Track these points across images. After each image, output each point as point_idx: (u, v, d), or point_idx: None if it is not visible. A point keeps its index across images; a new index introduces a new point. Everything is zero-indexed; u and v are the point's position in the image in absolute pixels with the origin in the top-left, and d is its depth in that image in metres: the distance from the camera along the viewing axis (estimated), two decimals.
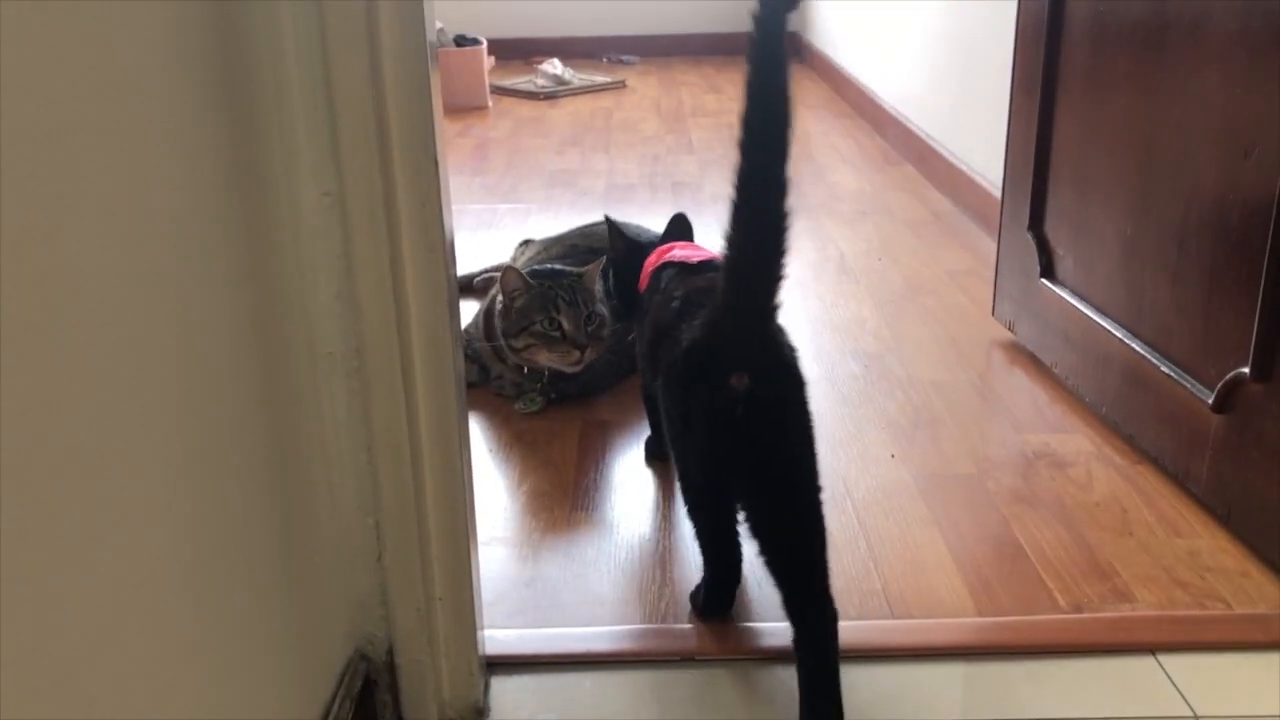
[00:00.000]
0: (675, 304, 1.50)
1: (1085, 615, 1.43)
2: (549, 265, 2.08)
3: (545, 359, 1.96)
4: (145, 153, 0.76)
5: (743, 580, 1.46)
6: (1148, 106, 1.74)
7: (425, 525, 1.16)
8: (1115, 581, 1.50)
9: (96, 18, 0.69)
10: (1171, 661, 1.34)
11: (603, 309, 1.97)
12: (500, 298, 2.00)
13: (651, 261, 1.72)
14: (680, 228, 1.82)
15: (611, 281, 1.86)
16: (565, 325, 1.93)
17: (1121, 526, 1.63)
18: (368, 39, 0.99)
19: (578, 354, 1.94)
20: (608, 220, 1.91)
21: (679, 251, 1.71)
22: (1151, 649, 1.36)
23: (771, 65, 1.27)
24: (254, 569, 0.95)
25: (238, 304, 0.92)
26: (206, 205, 0.86)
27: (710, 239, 1.30)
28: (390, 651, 1.20)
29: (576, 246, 2.22)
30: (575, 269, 2.02)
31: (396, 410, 1.10)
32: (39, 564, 0.61)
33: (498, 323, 1.99)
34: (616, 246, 1.83)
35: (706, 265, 1.65)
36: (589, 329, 1.94)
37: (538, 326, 1.94)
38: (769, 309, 1.32)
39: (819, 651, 1.26)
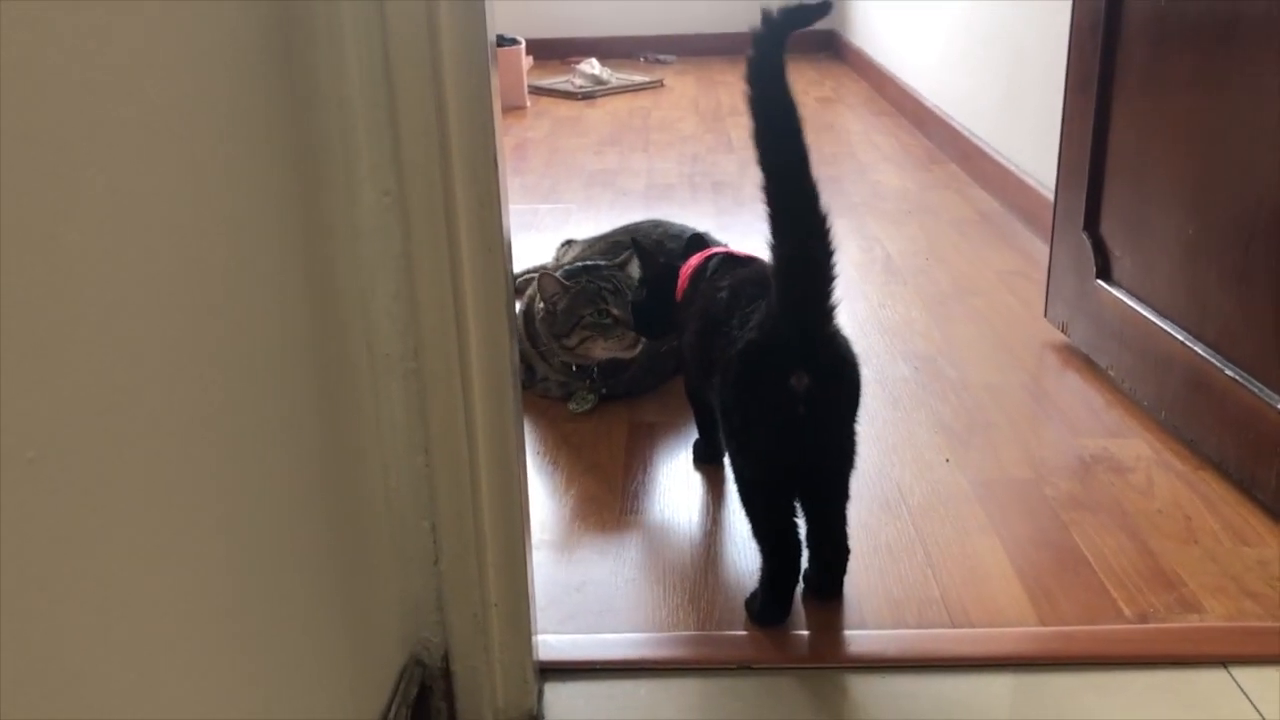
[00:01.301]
0: (723, 294, 1.49)
1: (1152, 625, 1.39)
2: (581, 262, 2.06)
3: (602, 350, 1.95)
4: (205, 154, 0.74)
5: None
6: (1212, 103, 1.70)
7: (481, 530, 1.14)
8: (1182, 591, 1.46)
9: (157, 17, 0.67)
10: (1245, 675, 1.30)
11: None
12: (540, 303, 1.98)
13: (692, 263, 1.70)
14: (698, 247, 1.79)
15: (641, 300, 1.82)
16: (615, 311, 1.92)
17: (1185, 534, 1.59)
18: (429, 38, 0.98)
19: (634, 335, 1.92)
20: (635, 244, 1.90)
21: (721, 249, 1.71)
22: (1223, 661, 1.32)
23: (772, 78, 1.31)
24: (309, 571, 0.94)
25: (295, 302, 0.90)
26: (265, 204, 0.85)
27: (751, 238, 1.28)
28: (446, 657, 1.18)
29: (619, 244, 2.20)
30: (610, 261, 2.01)
31: (454, 412, 1.08)
32: (95, 572, 0.60)
33: (541, 328, 1.98)
34: (649, 268, 1.81)
35: (752, 258, 1.64)
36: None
37: (589, 318, 1.93)
38: (827, 309, 1.30)
39: (833, 568, 1.45)
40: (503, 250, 1.08)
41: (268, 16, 0.84)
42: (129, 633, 0.63)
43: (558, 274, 1.99)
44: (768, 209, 1.29)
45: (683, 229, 2.28)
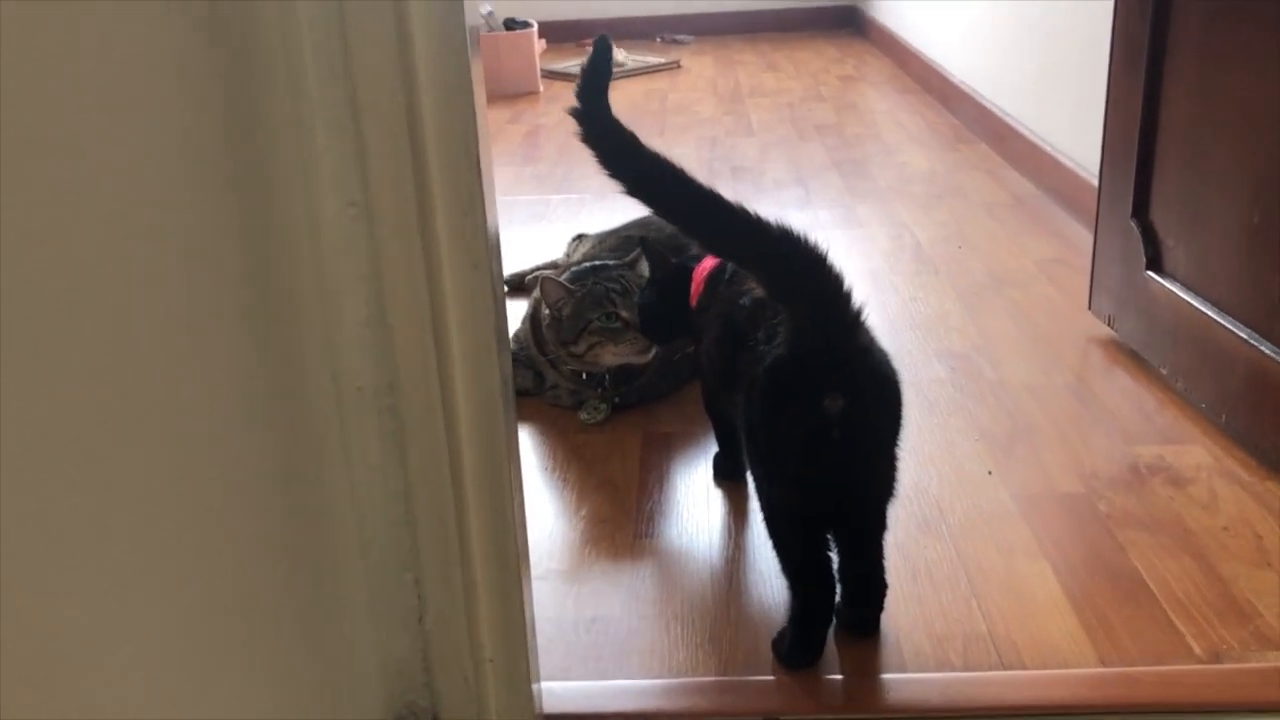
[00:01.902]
0: (746, 302, 1.35)
1: (1228, 666, 1.25)
2: (588, 263, 1.92)
3: (612, 355, 1.81)
4: (121, 164, 0.61)
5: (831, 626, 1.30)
6: (1277, 77, 1.54)
7: (473, 581, 1.01)
8: (1258, 624, 1.31)
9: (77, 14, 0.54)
10: None
11: None
12: (545, 309, 1.85)
13: (706, 265, 1.56)
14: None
15: (650, 302, 1.69)
16: (625, 314, 1.79)
17: (1257, 556, 1.44)
18: (395, 24, 0.84)
19: (644, 341, 1.78)
20: (643, 242, 1.76)
21: None
22: None
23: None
24: (270, 633, 0.81)
25: (244, 334, 0.77)
26: (204, 221, 0.72)
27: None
28: None
29: (631, 239, 2.05)
30: (618, 260, 1.87)
31: (437, 453, 0.95)
32: (38, 655, 0.50)
33: (547, 334, 1.84)
34: (659, 269, 1.67)
35: None
36: None
37: (597, 323, 1.79)
38: (854, 316, 1.17)
39: (868, 605, 1.31)
40: (490, 265, 0.94)
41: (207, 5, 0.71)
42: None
43: (563, 277, 1.85)
44: (729, 254, 1.29)
45: None
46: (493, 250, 0.95)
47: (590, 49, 1.21)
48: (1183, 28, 1.78)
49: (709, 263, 1.56)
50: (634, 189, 1.18)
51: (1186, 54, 1.78)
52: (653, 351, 1.81)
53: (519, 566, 1.04)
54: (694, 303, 1.56)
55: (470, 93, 0.88)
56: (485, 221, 0.92)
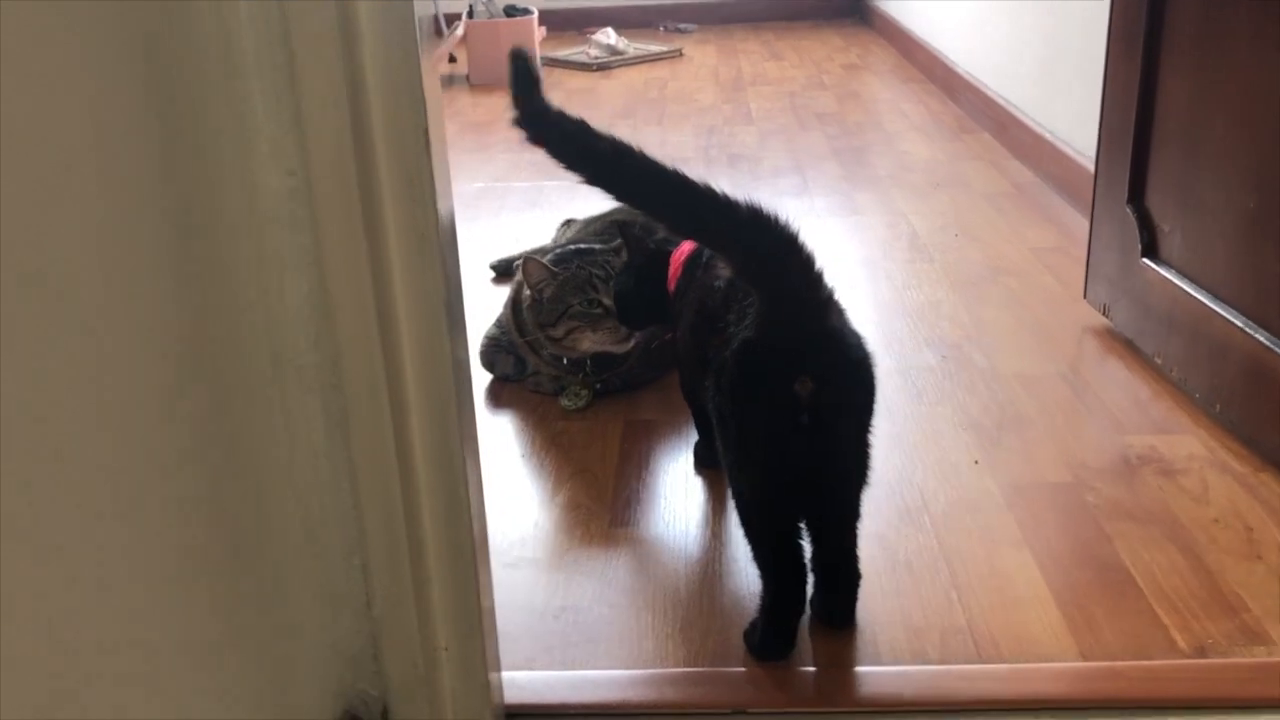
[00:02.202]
0: (720, 284, 1.31)
1: (1212, 660, 1.21)
2: (574, 245, 1.89)
3: (591, 342, 1.78)
4: (39, 131, 0.58)
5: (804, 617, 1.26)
6: (1276, 60, 1.50)
7: (423, 566, 0.98)
8: (1244, 617, 1.28)
9: None
10: None
11: None
12: (527, 290, 1.82)
13: (684, 249, 1.53)
14: None
15: (626, 288, 1.65)
16: (606, 301, 1.75)
17: (1247, 548, 1.40)
18: None
19: (624, 329, 1.75)
20: (620, 226, 1.72)
21: None
22: None
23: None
24: (211, 622, 0.78)
25: (178, 310, 0.74)
26: (132, 193, 0.68)
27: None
28: (385, 712, 1.02)
29: (617, 223, 2.02)
30: (604, 245, 1.84)
31: (383, 431, 0.92)
32: None
33: (527, 316, 1.81)
34: (637, 254, 1.63)
35: None
36: None
37: (577, 308, 1.76)
38: (825, 297, 1.13)
39: (841, 595, 1.28)
40: (440, 238, 0.91)
41: None
42: None
43: (546, 258, 1.82)
44: (695, 235, 1.26)
45: None
46: (444, 225, 0.92)
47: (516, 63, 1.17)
48: (1179, 14, 1.74)
49: (686, 246, 1.53)
50: (592, 178, 1.14)
51: (1183, 41, 1.73)
52: (632, 341, 1.78)
53: (474, 553, 1.00)
54: (671, 288, 1.53)
55: (416, 58, 0.85)
56: (434, 194, 0.89)
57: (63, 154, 0.62)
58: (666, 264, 1.54)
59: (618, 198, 1.19)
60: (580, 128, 1.13)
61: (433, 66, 0.90)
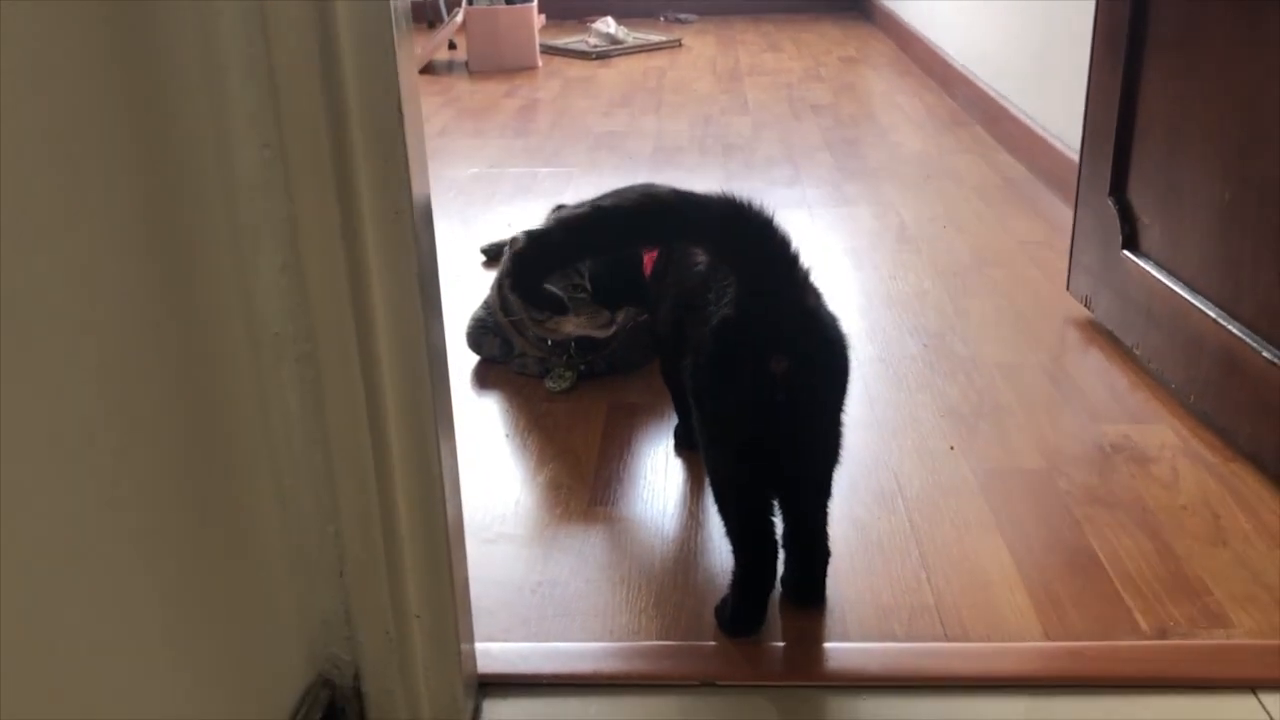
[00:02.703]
0: (699, 267, 1.34)
1: (1172, 642, 1.23)
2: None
3: (574, 325, 1.80)
4: (15, 100, 0.60)
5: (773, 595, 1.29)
6: (1252, 59, 1.52)
7: (395, 534, 1.00)
8: (1207, 601, 1.30)
9: None
10: (1277, 702, 1.14)
11: None
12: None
13: None
14: None
15: (602, 268, 1.71)
16: (590, 287, 1.77)
17: (1214, 535, 1.42)
18: None
19: (607, 314, 1.77)
20: (596, 209, 1.75)
21: None
22: (1252, 686, 1.16)
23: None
24: (185, 586, 0.80)
25: (154, 277, 0.76)
26: (108, 161, 0.70)
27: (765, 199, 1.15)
28: (357, 676, 1.04)
29: (595, 204, 2.04)
30: None
31: (355, 401, 0.94)
32: None
33: (512, 297, 1.83)
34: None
35: None
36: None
37: (559, 292, 1.78)
38: (801, 277, 1.16)
39: (811, 572, 1.30)
40: (413, 212, 0.93)
41: None
42: None
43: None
44: (679, 239, 1.34)
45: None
46: (418, 200, 0.94)
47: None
48: (1161, 15, 1.76)
49: None
50: (588, 252, 1.28)
51: (1164, 40, 1.75)
52: (614, 326, 1.80)
53: (446, 523, 1.03)
54: (648, 271, 1.55)
55: (391, 30, 0.86)
56: (408, 169, 0.91)
57: (38, 121, 0.64)
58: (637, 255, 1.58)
59: (614, 250, 1.25)
60: (548, 248, 1.22)
61: (408, 39, 0.92)
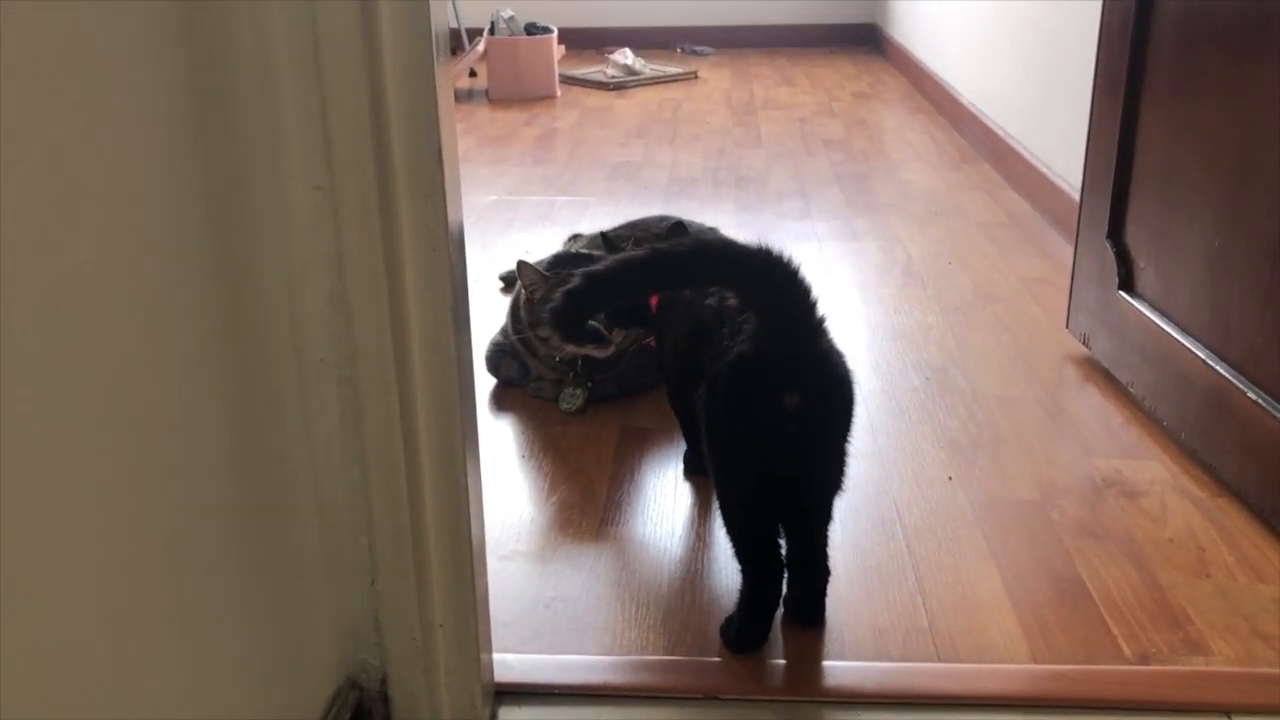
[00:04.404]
0: (710, 300, 1.42)
1: (1153, 668, 1.30)
2: (574, 251, 2.00)
3: (574, 346, 1.89)
4: (97, 142, 0.68)
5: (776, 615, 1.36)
6: (1242, 110, 1.60)
7: (424, 547, 1.07)
8: (1188, 630, 1.36)
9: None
10: None
11: None
12: (523, 289, 1.95)
13: None
14: (681, 234, 1.81)
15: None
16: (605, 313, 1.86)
17: (1198, 567, 1.49)
18: (362, 18, 0.91)
19: (606, 338, 1.87)
20: (603, 236, 1.86)
21: None
22: (1227, 711, 1.22)
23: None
24: (230, 590, 0.88)
25: (213, 307, 0.84)
26: (175, 200, 0.78)
27: (774, 234, 1.22)
28: (384, 681, 1.11)
29: (620, 237, 2.12)
30: (605, 253, 1.95)
31: (390, 423, 1.01)
32: None
33: (523, 314, 1.94)
34: None
35: None
36: None
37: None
38: (817, 323, 1.24)
39: (812, 592, 1.37)
40: (449, 249, 1.00)
41: None
42: (30, 663, 0.59)
43: (545, 258, 1.95)
44: (717, 284, 1.36)
45: (701, 227, 2.23)
46: (453, 236, 1.02)
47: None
48: (1159, 58, 1.83)
49: None
50: (631, 294, 1.37)
51: (1160, 88, 1.83)
52: (612, 347, 1.88)
53: (470, 538, 1.10)
54: (654, 301, 1.63)
55: (433, 85, 0.95)
56: (446, 208, 0.99)
57: (118, 160, 0.72)
58: None
59: (661, 290, 1.34)
60: (606, 286, 1.28)
61: (448, 89, 1.00)
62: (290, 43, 0.90)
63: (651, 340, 1.82)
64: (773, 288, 1.23)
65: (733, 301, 1.36)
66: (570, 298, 1.25)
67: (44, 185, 0.63)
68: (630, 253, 1.30)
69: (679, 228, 1.86)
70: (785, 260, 1.23)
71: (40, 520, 0.62)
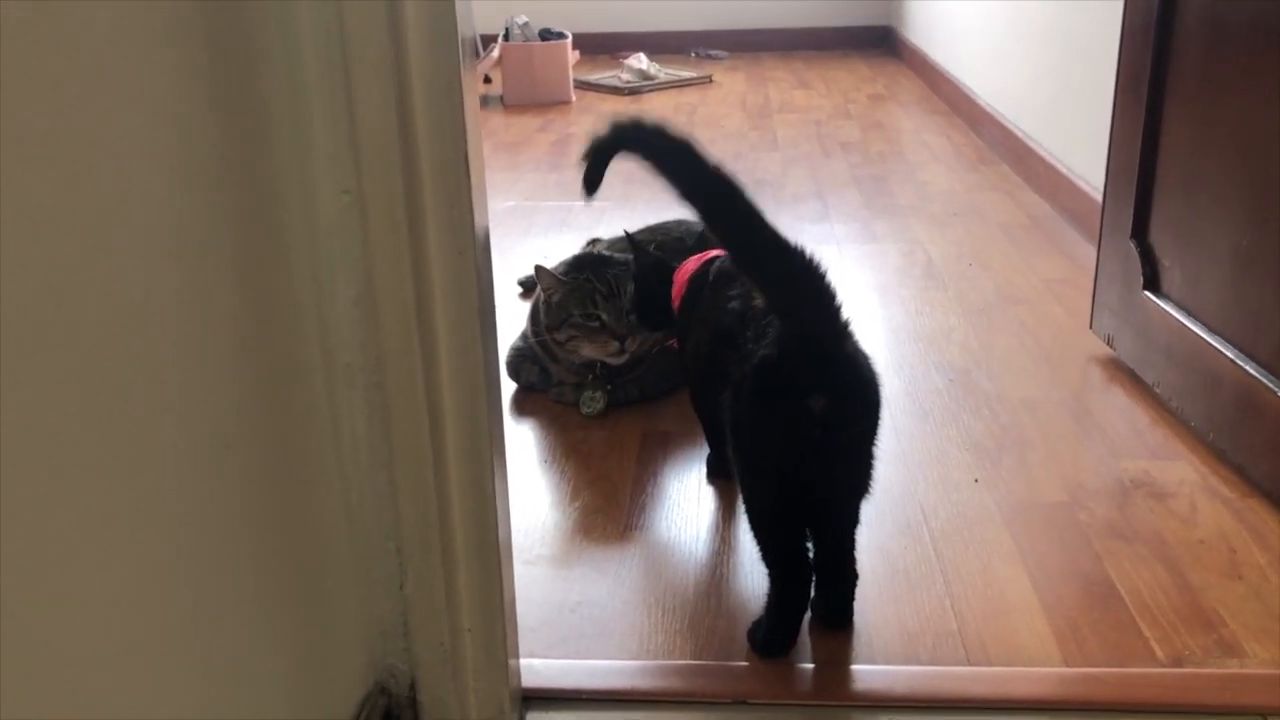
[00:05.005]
0: (734, 304, 1.41)
1: (1187, 670, 1.28)
2: (595, 253, 2.01)
3: (588, 351, 1.92)
4: (131, 147, 0.68)
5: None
6: (1270, 107, 1.58)
7: (452, 552, 1.07)
8: (1222, 632, 1.35)
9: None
10: None
11: None
12: (541, 292, 1.97)
13: (689, 267, 1.63)
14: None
15: (633, 297, 1.83)
16: (604, 317, 1.88)
17: (1229, 569, 1.47)
18: (389, 24, 0.90)
19: (617, 344, 1.89)
20: (627, 236, 1.86)
21: (721, 251, 1.63)
22: (1264, 713, 1.21)
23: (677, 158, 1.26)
24: (259, 595, 0.87)
25: (243, 309, 0.84)
26: (205, 203, 0.78)
27: (792, 238, 1.22)
28: (413, 685, 1.11)
29: (626, 233, 2.12)
30: (625, 257, 1.95)
31: (418, 427, 1.01)
32: (30, 602, 0.57)
33: (542, 317, 1.95)
34: (640, 265, 1.78)
35: None
36: (631, 319, 1.89)
37: (576, 318, 1.90)
38: (843, 326, 1.23)
39: (840, 595, 1.36)
40: (476, 253, 1.00)
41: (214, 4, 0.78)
42: (61, 664, 0.60)
43: (565, 259, 1.99)
44: (740, 261, 1.30)
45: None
46: (479, 240, 1.01)
47: None
48: (1181, 62, 1.82)
49: (690, 265, 1.63)
50: (678, 175, 1.26)
51: (1185, 87, 1.82)
52: (626, 355, 1.89)
53: (498, 543, 1.09)
54: (676, 303, 1.63)
55: (459, 91, 0.94)
56: (472, 212, 0.98)
57: (145, 164, 0.72)
58: (669, 275, 1.66)
59: (702, 211, 1.27)
60: (651, 136, 1.25)
61: (473, 96, 1.00)
62: (317, 45, 0.90)
63: (673, 342, 1.82)
64: (802, 284, 1.22)
65: (758, 303, 1.35)
66: (618, 130, 1.23)
67: (70, 191, 0.62)
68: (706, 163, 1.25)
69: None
70: (815, 263, 1.22)
71: (69, 523, 0.62)
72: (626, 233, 1.92)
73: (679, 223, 2.24)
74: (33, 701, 0.59)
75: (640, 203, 3.25)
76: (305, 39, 0.89)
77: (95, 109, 0.65)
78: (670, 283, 1.66)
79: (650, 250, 1.82)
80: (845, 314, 1.25)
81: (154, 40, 0.71)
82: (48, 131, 0.59)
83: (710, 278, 1.55)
